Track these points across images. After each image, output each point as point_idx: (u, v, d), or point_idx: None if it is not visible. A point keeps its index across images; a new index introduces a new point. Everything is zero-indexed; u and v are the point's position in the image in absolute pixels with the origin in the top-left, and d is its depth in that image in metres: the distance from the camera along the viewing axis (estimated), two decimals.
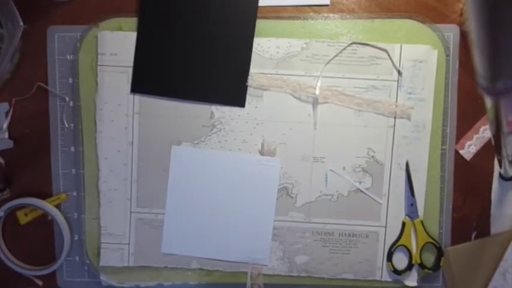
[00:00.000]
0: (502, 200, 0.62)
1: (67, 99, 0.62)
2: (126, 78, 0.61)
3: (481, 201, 0.62)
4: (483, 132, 0.61)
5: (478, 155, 0.62)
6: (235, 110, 0.61)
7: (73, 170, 0.63)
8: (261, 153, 0.61)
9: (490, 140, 0.61)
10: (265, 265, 0.62)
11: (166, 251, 0.63)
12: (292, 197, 0.62)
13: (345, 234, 0.62)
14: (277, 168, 0.61)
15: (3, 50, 0.59)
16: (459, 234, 0.62)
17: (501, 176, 0.61)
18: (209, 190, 0.60)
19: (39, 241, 0.64)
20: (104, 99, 0.62)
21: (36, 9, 0.62)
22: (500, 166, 0.59)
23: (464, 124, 0.62)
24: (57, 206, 0.63)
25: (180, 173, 0.62)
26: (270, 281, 0.63)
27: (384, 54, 0.60)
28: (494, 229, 0.62)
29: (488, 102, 0.41)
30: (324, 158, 0.61)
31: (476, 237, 0.62)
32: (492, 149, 0.61)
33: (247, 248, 0.62)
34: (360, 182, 0.62)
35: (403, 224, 0.61)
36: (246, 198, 0.62)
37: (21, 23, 0.58)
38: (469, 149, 0.62)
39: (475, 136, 0.62)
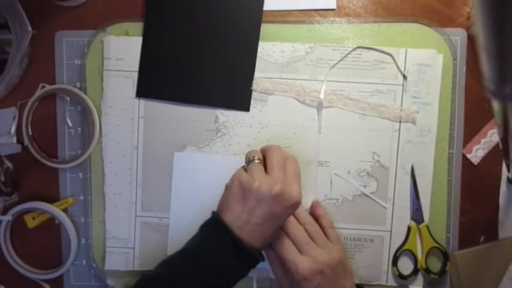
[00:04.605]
0: (510, 204, 0.61)
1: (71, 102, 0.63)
2: (131, 82, 0.62)
3: (488, 206, 0.62)
4: (491, 136, 0.61)
5: (485, 159, 0.61)
6: (239, 114, 0.61)
7: (80, 174, 0.63)
8: None
9: (497, 144, 0.61)
10: None
11: None
12: None
13: (350, 239, 0.62)
14: None
15: (11, 55, 0.60)
16: (467, 239, 0.62)
17: (509, 180, 0.61)
18: (213, 195, 0.60)
19: (46, 245, 0.65)
20: (109, 103, 0.62)
21: (44, 15, 0.62)
22: (508, 170, 0.59)
23: (472, 128, 0.61)
24: (65, 210, 0.63)
25: (183, 178, 0.62)
26: (277, 285, 0.62)
27: (389, 59, 0.60)
28: (502, 233, 0.61)
29: (496, 105, 0.40)
30: (329, 162, 0.61)
31: (484, 242, 0.62)
32: (500, 153, 0.60)
33: None
34: (364, 186, 0.61)
35: (409, 229, 0.61)
36: None
37: (30, 28, 0.59)
38: (477, 153, 0.61)
39: (483, 140, 0.61)
